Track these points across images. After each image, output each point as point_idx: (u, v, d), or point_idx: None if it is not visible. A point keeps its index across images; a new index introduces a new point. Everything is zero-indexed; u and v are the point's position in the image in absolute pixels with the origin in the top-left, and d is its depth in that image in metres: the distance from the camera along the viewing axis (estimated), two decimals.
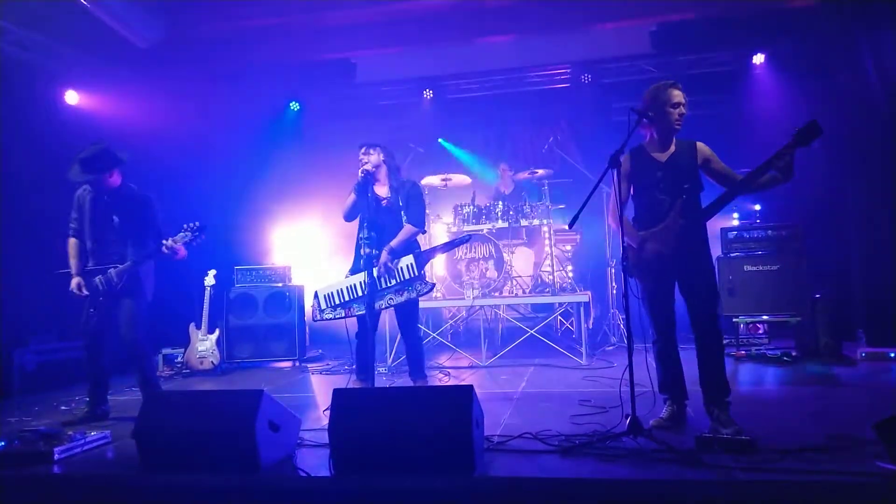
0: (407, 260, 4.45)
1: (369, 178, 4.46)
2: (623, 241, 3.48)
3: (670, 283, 3.62)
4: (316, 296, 4.61)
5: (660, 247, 3.50)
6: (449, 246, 4.94)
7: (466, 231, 6.86)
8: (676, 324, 3.67)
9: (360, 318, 4.51)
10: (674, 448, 2.97)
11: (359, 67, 8.38)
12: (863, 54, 6.19)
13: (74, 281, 4.42)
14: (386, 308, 4.54)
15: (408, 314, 4.61)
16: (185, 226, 4.45)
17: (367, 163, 4.51)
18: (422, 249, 4.68)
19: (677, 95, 3.52)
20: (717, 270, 6.21)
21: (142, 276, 4.49)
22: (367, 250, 4.25)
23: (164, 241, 4.37)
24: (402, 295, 4.44)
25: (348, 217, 4.66)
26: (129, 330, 4.35)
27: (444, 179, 7.33)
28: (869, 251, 6.32)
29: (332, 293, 4.55)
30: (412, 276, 4.43)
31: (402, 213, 4.60)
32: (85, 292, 4.38)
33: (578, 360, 5.94)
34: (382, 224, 4.51)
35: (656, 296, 3.62)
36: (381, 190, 4.65)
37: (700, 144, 3.65)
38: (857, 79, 6.28)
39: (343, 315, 4.50)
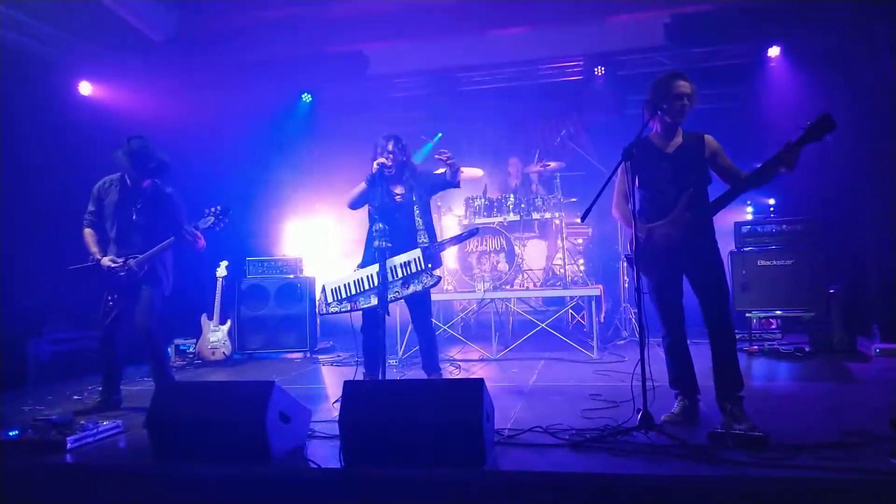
0: (414, 253, 4.42)
1: (384, 172, 4.43)
2: (630, 234, 3.46)
3: (678, 278, 3.58)
4: (323, 290, 4.57)
5: (666, 241, 3.46)
6: (457, 239, 4.90)
7: (478, 223, 6.84)
8: (686, 318, 3.64)
9: (366, 311, 4.48)
10: (686, 443, 2.94)
11: (371, 59, 8.37)
12: (880, 46, 6.10)
13: (106, 259, 4.40)
14: (392, 301, 4.50)
15: (420, 307, 4.59)
16: (206, 210, 4.52)
17: (390, 156, 4.48)
18: (431, 243, 4.64)
19: (682, 86, 3.46)
20: (730, 265, 6.24)
21: (160, 269, 4.53)
22: (380, 243, 4.22)
23: (186, 227, 4.40)
24: (407, 288, 4.41)
25: (353, 205, 4.63)
26: (144, 319, 4.37)
27: None
28: (884, 246, 6.24)
29: (339, 287, 4.51)
30: (419, 269, 4.40)
31: (415, 208, 4.58)
32: (119, 261, 4.39)
33: (589, 354, 5.92)
34: (396, 219, 4.48)
35: (663, 290, 3.59)
36: (396, 186, 4.62)
37: (708, 137, 3.58)
38: (873, 71, 6.18)
39: (349, 309, 4.46)
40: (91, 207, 4.58)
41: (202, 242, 4.49)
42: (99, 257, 4.43)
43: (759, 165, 3.33)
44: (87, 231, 4.56)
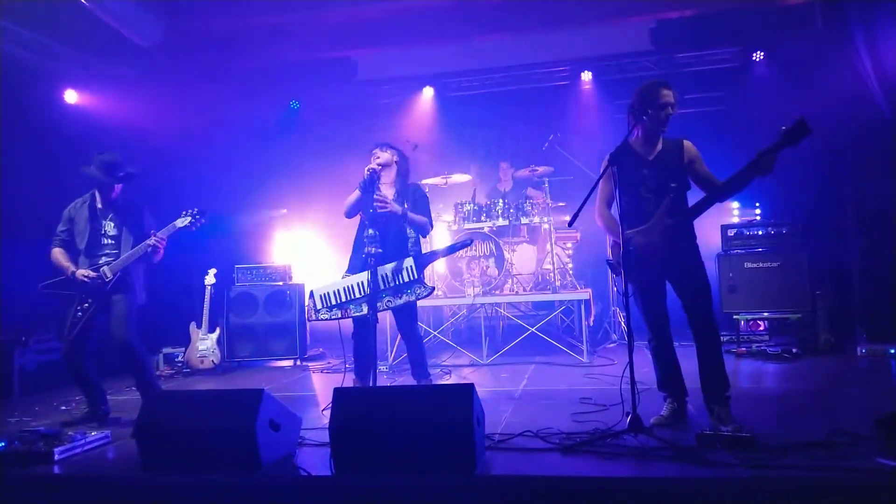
0: (407, 262, 4.41)
1: (375, 177, 4.42)
2: (609, 240, 3.49)
3: (661, 282, 3.61)
4: (312, 296, 4.54)
5: (645, 246, 3.49)
6: (451, 250, 4.87)
7: (467, 229, 6.85)
8: (672, 321, 3.66)
9: (357, 318, 4.46)
10: (675, 445, 2.97)
11: (360, 65, 8.39)
12: (859, 52, 6.18)
13: (80, 271, 4.39)
14: (384, 310, 4.50)
15: (406, 315, 4.56)
16: (184, 211, 4.57)
17: (378, 159, 4.48)
18: (423, 252, 4.64)
19: (667, 95, 3.50)
20: (717, 267, 6.29)
21: (133, 278, 4.52)
22: (370, 249, 4.22)
23: (151, 235, 4.41)
24: (400, 297, 4.39)
25: (349, 214, 4.61)
26: (122, 332, 4.32)
27: (444, 177, 7.33)
28: (869, 247, 6.31)
29: (328, 293, 4.48)
30: (412, 278, 4.38)
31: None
32: (93, 274, 4.37)
33: (579, 358, 5.94)
34: (386, 226, 4.48)
35: (646, 294, 3.62)
36: (388, 192, 4.60)
37: (687, 143, 3.62)
38: (856, 76, 6.26)
39: (340, 316, 4.44)
40: (62, 227, 4.57)
41: (160, 254, 4.49)
42: (73, 270, 4.41)
43: (733, 173, 3.35)
44: (57, 250, 4.52)
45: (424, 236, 4.78)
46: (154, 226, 4.57)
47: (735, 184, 3.35)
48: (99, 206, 4.57)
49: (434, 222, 7.22)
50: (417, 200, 4.65)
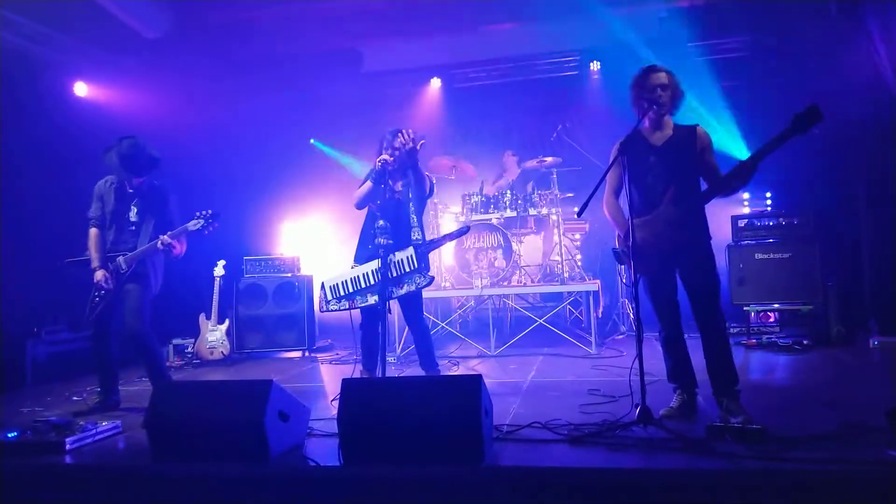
0: (407, 252, 4.40)
1: (387, 169, 4.40)
2: (618, 231, 3.49)
3: (669, 272, 3.55)
4: (322, 287, 4.56)
5: (651, 235, 3.44)
6: (448, 238, 4.85)
7: (475, 220, 6.83)
8: (683, 313, 3.61)
9: (364, 308, 4.48)
10: (684, 437, 2.95)
11: (366, 56, 8.36)
12: (873, 39, 6.10)
13: (100, 273, 4.42)
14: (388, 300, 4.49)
15: (412, 306, 4.57)
16: (197, 213, 4.54)
17: (396, 150, 4.42)
18: (424, 241, 4.61)
19: (658, 78, 3.47)
20: (727, 259, 6.24)
21: (149, 268, 4.53)
22: (380, 240, 4.20)
23: (159, 237, 4.40)
24: (401, 287, 4.37)
25: (360, 205, 4.58)
26: (132, 320, 4.37)
27: (451, 170, 7.31)
28: (881, 238, 6.26)
29: (337, 284, 4.50)
30: (412, 268, 4.37)
31: (411, 204, 4.56)
32: (110, 285, 4.41)
33: (588, 350, 5.93)
34: (395, 215, 4.47)
35: (656, 285, 3.57)
36: (397, 182, 4.57)
37: (700, 130, 3.54)
38: (868, 64, 6.19)
39: (348, 307, 4.45)
40: (95, 206, 4.59)
41: (178, 250, 4.49)
42: (96, 266, 4.44)
43: (732, 168, 3.29)
44: (94, 231, 4.55)
45: (430, 192, 4.72)
46: (178, 214, 4.58)
47: (738, 177, 3.27)
48: (126, 192, 4.58)
49: (441, 214, 7.29)
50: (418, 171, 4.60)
